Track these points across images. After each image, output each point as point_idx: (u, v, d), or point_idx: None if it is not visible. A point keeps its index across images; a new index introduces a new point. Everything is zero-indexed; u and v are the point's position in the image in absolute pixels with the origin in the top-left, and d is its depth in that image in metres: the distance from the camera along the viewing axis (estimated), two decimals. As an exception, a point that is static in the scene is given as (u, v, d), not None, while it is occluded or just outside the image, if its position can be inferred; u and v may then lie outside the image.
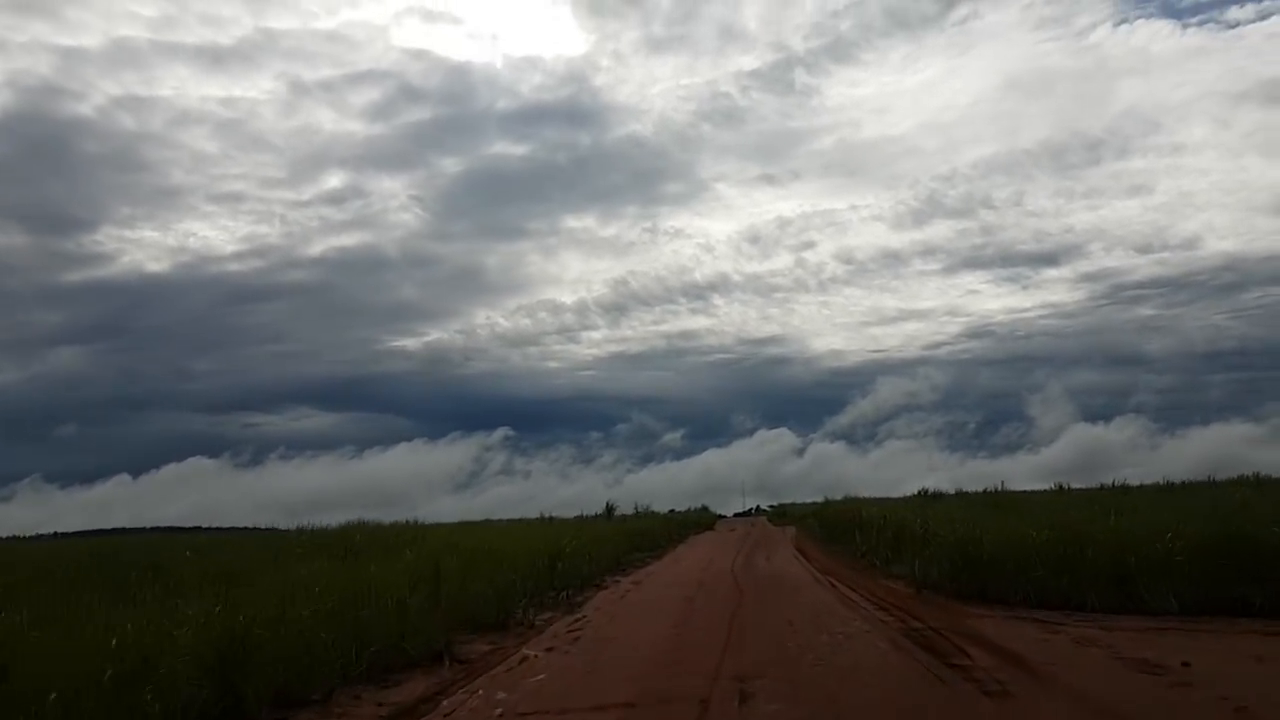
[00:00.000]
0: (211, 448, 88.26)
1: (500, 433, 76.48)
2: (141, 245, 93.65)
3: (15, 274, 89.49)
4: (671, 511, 54.38)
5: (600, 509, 38.72)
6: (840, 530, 27.17)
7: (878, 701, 6.81)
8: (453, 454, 74.64)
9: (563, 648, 9.82)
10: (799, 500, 65.46)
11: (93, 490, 68.67)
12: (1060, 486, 32.10)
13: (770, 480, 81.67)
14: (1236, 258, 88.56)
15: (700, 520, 54.10)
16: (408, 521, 32.30)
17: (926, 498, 32.84)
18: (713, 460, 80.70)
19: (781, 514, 66.19)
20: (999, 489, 32.35)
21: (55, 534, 41.23)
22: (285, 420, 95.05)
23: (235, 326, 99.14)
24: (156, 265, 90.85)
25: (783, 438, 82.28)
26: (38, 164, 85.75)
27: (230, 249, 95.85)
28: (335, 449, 78.07)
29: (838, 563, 20.07)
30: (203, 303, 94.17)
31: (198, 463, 70.44)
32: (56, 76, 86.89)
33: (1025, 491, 33.19)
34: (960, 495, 32.82)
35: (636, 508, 39.37)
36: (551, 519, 38.24)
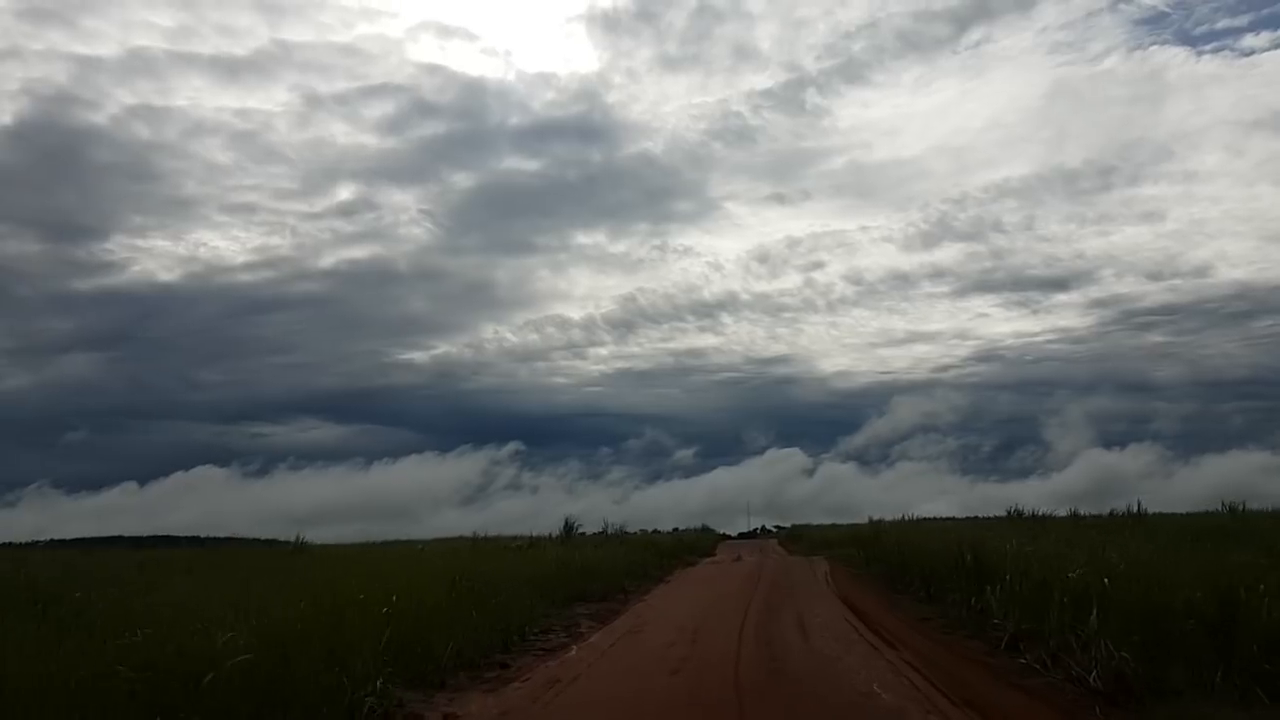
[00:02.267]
0: (218, 458, 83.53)
1: (506, 448, 73.08)
2: (153, 254, 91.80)
3: (27, 281, 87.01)
4: (675, 530, 51.48)
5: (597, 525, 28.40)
6: (912, 571, 16.62)
7: None
8: (459, 468, 70.97)
9: None
10: (809, 521, 59.80)
11: (99, 497, 65.74)
12: (1232, 508, 21.41)
13: (778, 500, 77.30)
14: (1248, 286, 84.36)
15: (697, 544, 43.32)
16: (296, 541, 25.21)
17: (1024, 520, 22.19)
18: (721, 479, 76.45)
19: (796, 536, 55.51)
20: (1135, 510, 21.80)
21: (51, 541, 37.88)
22: (292, 431, 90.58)
23: (244, 337, 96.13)
24: (167, 275, 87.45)
25: (793, 457, 77.82)
26: (51, 172, 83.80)
27: (241, 260, 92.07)
28: (342, 461, 74.72)
29: (962, 658, 9.44)
30: (212, 313, 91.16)
31: (206, 471, 68.25)
32: (72, 85, 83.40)
33: (1178, 514, 22.66)
34: (1075, 520, 22.24)
35: (606, 526, 28.83)
36: (485, 539, 27.85)
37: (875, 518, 27.60)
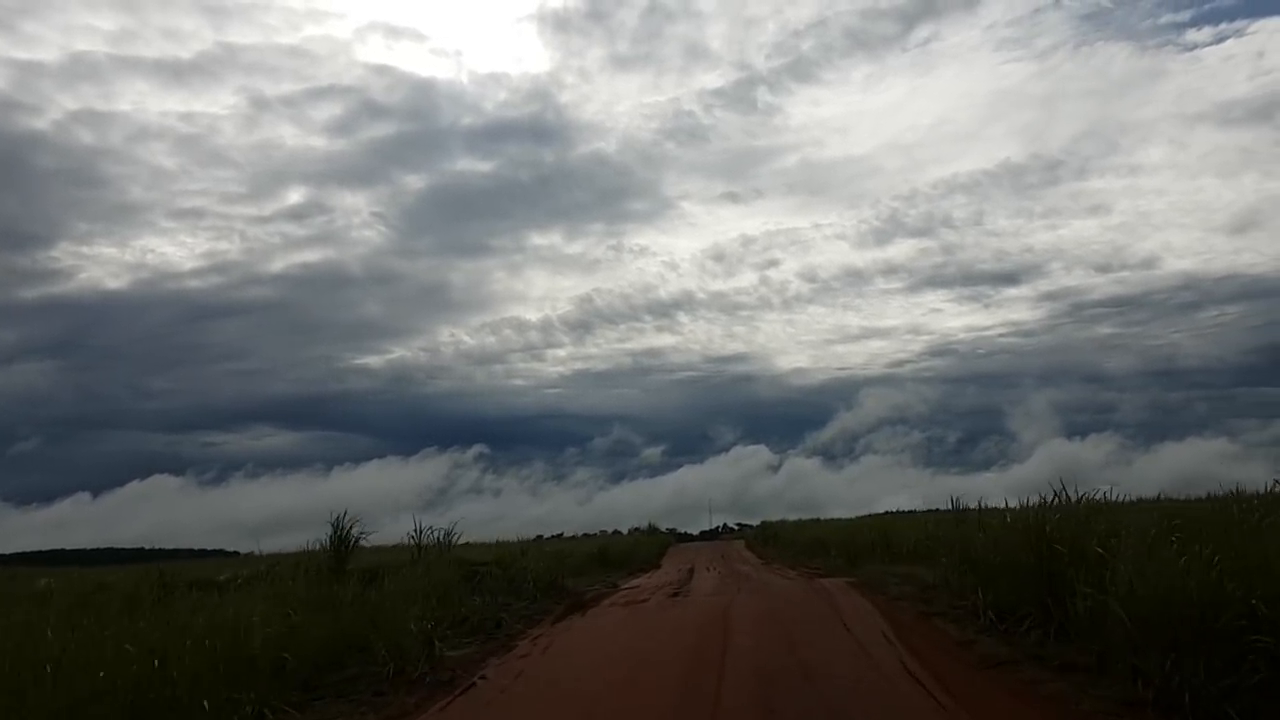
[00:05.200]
0: (172, 467, 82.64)
1: (470, 451, 73.30)
2: (99, 262, 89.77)
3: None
4: (635, 530, 49.14)
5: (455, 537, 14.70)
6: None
7: None
8: (421, 473, 70.58)
9: None
10: (774, 517, 52.58)
11: (51, 509, 65.28)
12: None
13: (743, 498, 77.54)
14: (1194, 277, 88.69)
15: (633, 553, 29.51)
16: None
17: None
18: (687, 478, 77.27)
19: (768, 536, 41.89)
20: None
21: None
22: (247, 439, 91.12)
23: (195, 344, 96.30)
24: (115, 282, 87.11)
25: (758, 454, 78.57)
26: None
27: (190, 265, 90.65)
28: (300, 468, 75.07)
29: None
30: (162, 320, 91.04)
31: (160, 481, 67.77)
32: (12, 91, 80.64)
33: None
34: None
35: (418, 534, 14.68)
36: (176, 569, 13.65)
37: (963, 504, 13.55)
